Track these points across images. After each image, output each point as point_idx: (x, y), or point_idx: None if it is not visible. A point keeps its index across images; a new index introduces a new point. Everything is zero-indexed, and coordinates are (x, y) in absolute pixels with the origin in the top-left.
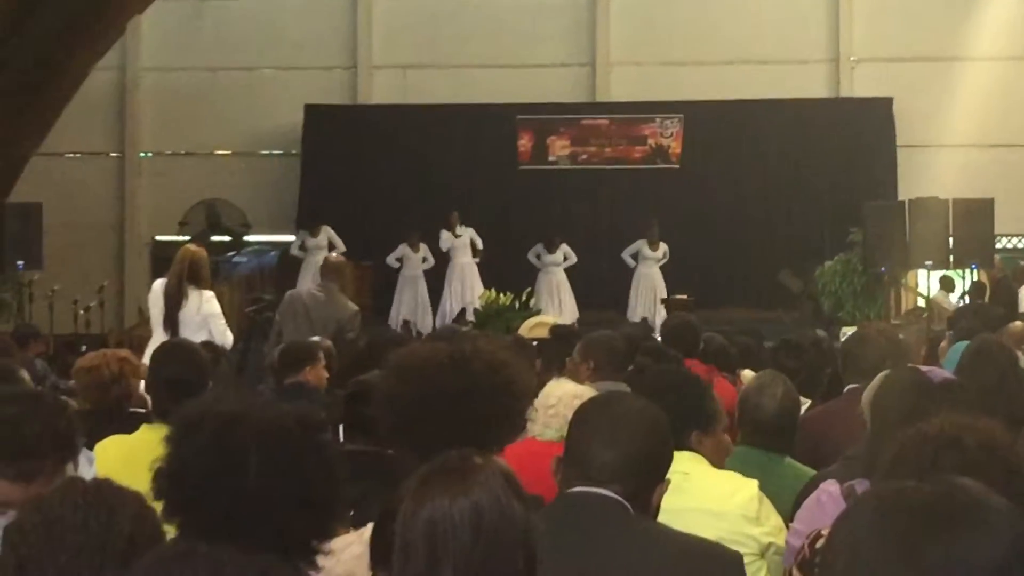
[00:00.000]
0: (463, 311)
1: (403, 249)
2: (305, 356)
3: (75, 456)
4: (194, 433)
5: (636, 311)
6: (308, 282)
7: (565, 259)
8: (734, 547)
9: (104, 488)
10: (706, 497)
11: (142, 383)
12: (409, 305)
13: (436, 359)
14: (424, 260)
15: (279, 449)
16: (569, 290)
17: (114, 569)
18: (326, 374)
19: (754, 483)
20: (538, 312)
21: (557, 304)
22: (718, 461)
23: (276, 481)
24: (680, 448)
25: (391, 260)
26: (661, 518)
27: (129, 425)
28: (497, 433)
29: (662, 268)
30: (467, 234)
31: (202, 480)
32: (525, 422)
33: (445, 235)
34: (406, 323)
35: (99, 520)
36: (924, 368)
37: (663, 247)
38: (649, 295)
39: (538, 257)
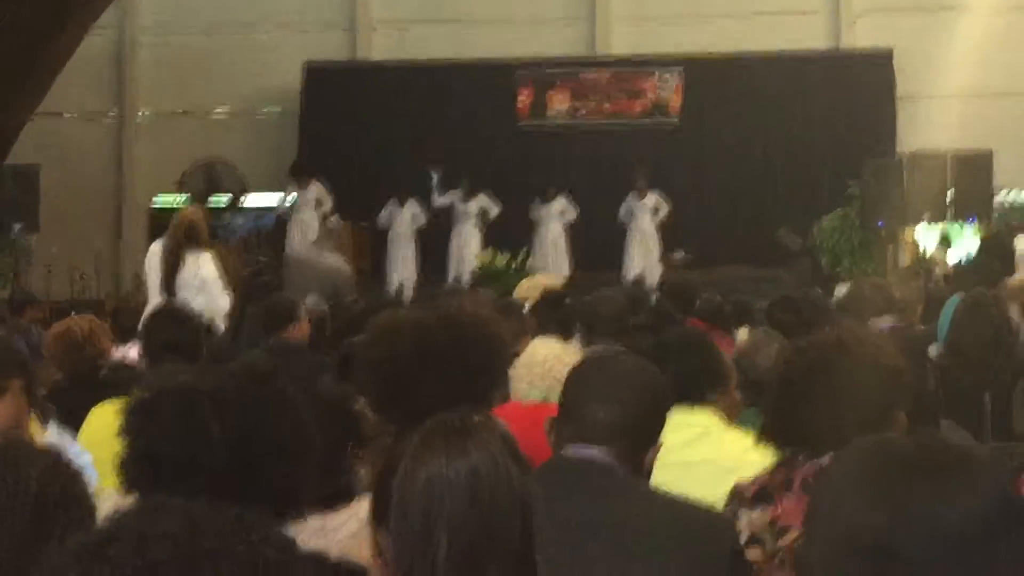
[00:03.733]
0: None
1: (391, 206)
2: (286, 314)
3: (29, 376)
4: (152, 416)
5: (631, 268)
6: (296, 240)
7: (563, 214)
8: None
9: (11, 447)
10: (722, 452)
11: (120, 348)
12: (398, 266)
13: (425, 319)
14: (413, 218)
15: (239, 410)
16: (564, 248)
17: (25, 529)
18: (308, 330)
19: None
20: (532, 273)
21: (553, 260)
22: (731, 418)
23: (244, 443)
24: (701, 404)
25: (381, 218)
26: (676, 471)
27: (106, 391)
28: (487, 390)
29: (662, 225)
30: (478, 201)
31: (169, 459)
32: (508, 380)
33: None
34: (400, 286)
35: (5, 481)
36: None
37: (653, 197)
38: (643, 250)
39: (536, 211)
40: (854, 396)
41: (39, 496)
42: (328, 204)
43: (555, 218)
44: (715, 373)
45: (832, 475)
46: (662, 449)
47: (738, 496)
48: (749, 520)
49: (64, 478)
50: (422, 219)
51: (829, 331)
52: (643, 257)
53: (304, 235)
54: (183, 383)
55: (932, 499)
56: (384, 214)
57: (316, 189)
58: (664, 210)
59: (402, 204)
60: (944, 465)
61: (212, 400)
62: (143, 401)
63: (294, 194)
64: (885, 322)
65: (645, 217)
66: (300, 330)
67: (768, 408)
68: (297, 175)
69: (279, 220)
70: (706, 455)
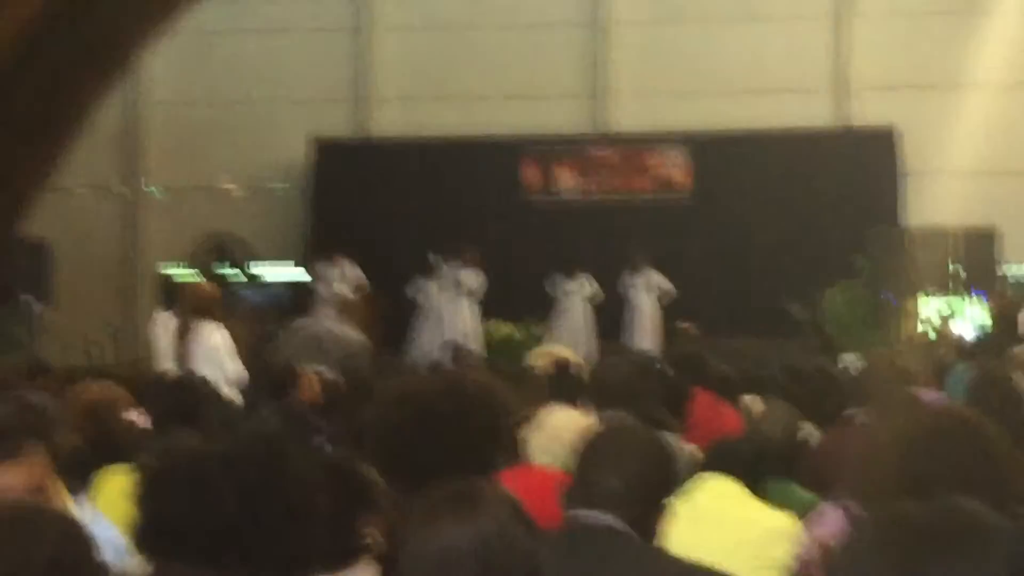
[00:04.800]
0: (455, 347)
1: (419, 281)
2: (285, 378)
3: (47, 439)
4: (164, 480)
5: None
6: (324, 314)
7: (592, 294)
8: (763, 563)
9: (26, 510)
10: (746, 515)
11: (133, 413)
12: (426, 339)
13: (432, 388)
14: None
15: (249, 473)
16: (589, 326)
17: None
18: (316, 389)
19: (790, 515)
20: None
21: (576, 337)
22: None
23: (253, 506)
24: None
25: (412, 293)
26: (702, 524)
27: (122, 455)
28: (493, 455)
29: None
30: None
31: (181, 524)
32: (517, 445)
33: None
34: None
35: (18, 544)
36: (922, 392)
37: (646, 274)
38: (640, 329)
39: (558, 287)
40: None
41: (53, 560)
42: (357, 278)
43: (578, 294)
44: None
45: (851, 543)
46: (696, 508)
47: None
48: None
49: (78, 543)
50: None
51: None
52: (641, 335)
53: (328, 310)
54: (192, 448)
55: (949, 569)
56: (412, 286)
57: (344, 265)
58: (664, 287)
59: (429, 277)
60: (960, 533)
61: (221, 464)
62: (153, 466)
63: (324, 269)
64: (933, 394)
65: (641, 295)
66: (308, 391)
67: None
68: (325, 251)
69: (293, 291)
70: (731, 514)
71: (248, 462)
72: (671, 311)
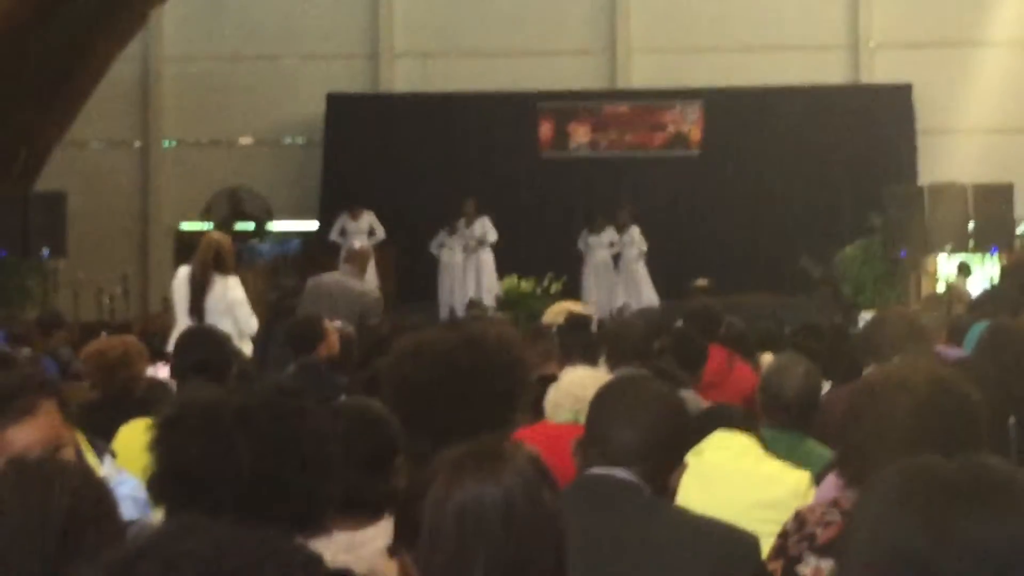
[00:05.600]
0: (472, 301)
1: (442, 236)
2: (311, 334)
3: (57, 393)
4: (178, 429)
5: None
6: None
7: (612, 244)
8: (775, 515)
9: (44, 464)
10: (758, 471)
11: (150, 368)
12: (449, 293)
13: (448, 341)
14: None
15: (264, 425)
16: (612, 281)
17: (57, 544)
18: (336, 347)
19: (806, 473)
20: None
21: (606, 291)
22: None
23: (268, 458)
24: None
25: (434, 248)
26: (714, 482)
27: (139, 410)
28: (510, 411)
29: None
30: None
31: (196, 473)
32: (533, 400)
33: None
34: (452, 309)
35: (36, 497)
36: (939, 348)
37: (628, 231)
38: (632, 284)
39: (584, 240)
40: (929, 433)
41: (70, 512)
42: (381, 233)
43: (604, 248)
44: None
45: (872, 498)
46: (703, 463)
47: (806, 534)
48: (816, 568)
49: (95, 494)
50: (482, 240)
51: (898, 365)
52: (627, 291)
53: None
54: (209, 399)
55: (976, 523)
56: (435, 242)
57: (369, 219)
58: (643, 245)
59: (452, 233)
60: (988, 488)
61: (237, 415)
62: (170, 416)
63: (346, 223)
64: (953, 351)
65: (632, 251)
66: (329, 348)
67: (840, 451)
68: (350, 206)
69: (305, 245)
70: (743, 471)
71: (264, 414)
72: (685, 267)
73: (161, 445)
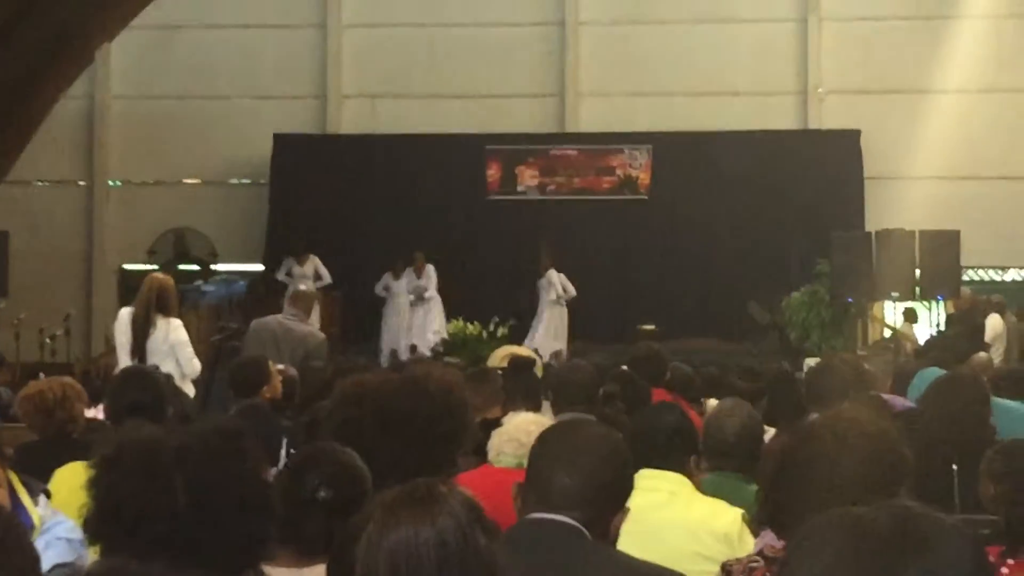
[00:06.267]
0: (414, 347)
1: (387, 278)
2: (255, 376)
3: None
4: (116, 468)
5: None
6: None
7: (565, 291)
8: (710, 566)
9: None
10: (690, 516)
11: (88, 410)
12: (394, 335)
13: (389, 384)
14: (411, 288)
15: (203, 464)
16: (556, 325)
17: None
18: (279, 388)
19: (738, 510)
20: (506, 341)
21: (546, 336)
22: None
23: (206, 497)
24: (677, 470)
25: (379, 289)
26: (643, 536)
27: (77, 452)
28: (451, 453)
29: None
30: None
31: (133, 512)
32: (474, 443)
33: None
34: (394, 352)
35: None
36: (886, 396)
37: (549, 274)
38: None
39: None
40: (857, 485)
41: None
42: (327, 277)
43: (545, 293)
44: (694, 441)
45: (803, 550)
46: (631, 512)
47: None
48: None
49: (3, 528)
50: (424, 290)
51: (828, 415)
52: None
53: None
54: (148, 438)
55: (923, 571)
56: (380, 284)
57: (314, 263)
58: (567, 289)
59: (397, 276)
60: (925, 536)
61: (176, 454)
62: (108, 455)
63: (292, 266)
64: (900, 400)
65: (549, 294)
66: (272, 391)
67: (766, 495)
68: (295, 251)
69: (250, 287)
70: (671, 520)
71: (203, 454)
72: (632, 311)
73: (99, 483)
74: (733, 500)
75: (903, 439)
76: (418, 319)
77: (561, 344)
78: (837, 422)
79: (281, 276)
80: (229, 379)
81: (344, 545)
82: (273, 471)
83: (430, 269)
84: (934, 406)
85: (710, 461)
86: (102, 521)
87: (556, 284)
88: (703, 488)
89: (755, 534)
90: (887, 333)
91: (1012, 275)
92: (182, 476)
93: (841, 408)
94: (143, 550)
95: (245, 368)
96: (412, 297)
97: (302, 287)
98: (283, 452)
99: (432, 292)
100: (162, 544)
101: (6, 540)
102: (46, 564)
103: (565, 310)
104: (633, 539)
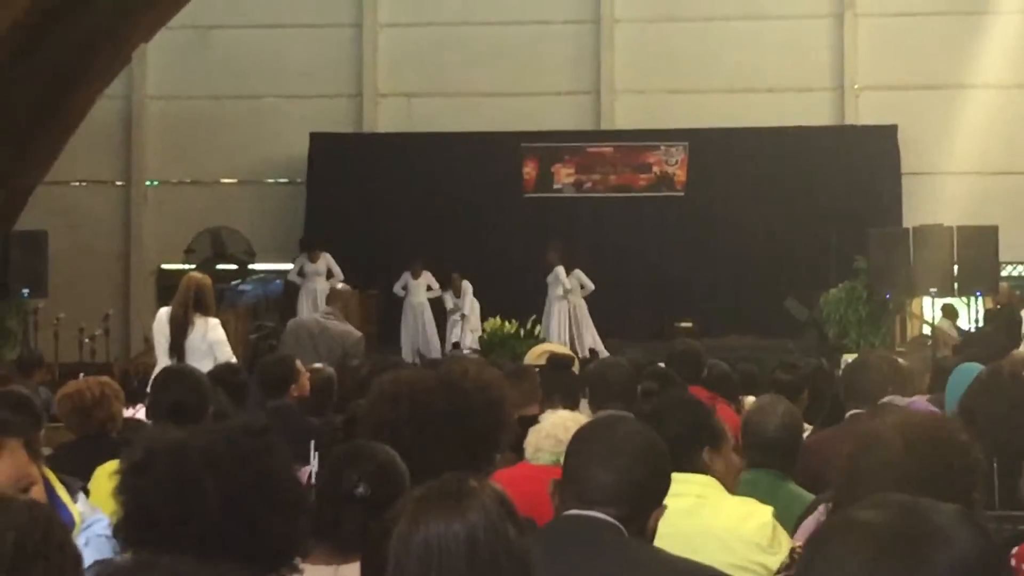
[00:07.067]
0: (457, 343)
1: (406, 277)
2: (283, 375)
3: (24, 433)
4: (145, 472)
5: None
6: (307, 309)
7: (582, 287)
8: (744, 574)
9: None
10: (719, 522)
11: (126, 410)
12: (411, 334)
13: (426, 382)
14: (428, 288)
15: (232, 465)
16: (564, 323)
17: None
18: (308, 387)
19: (768, 509)
20: (541, 340)
21: (568, 334)
22: (730, 481)
23: (236, 498)
24: (693, 469)
25: (396, 288)
26: (673, 541)
27: (114, 451)
28: (488, 452)
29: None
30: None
31: (164, 517)
32: (512, 440)
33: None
34: (420, 353)
35: None
36: (904, 401)
37: (556, 270)
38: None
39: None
40: (929, 492)
41: (17, 546)
42: (339, 275)
43: (553, 289)
44: (703, 431)
45: (818, 552)
46: (666, 520)
47: None
48: None
49: (44, 527)
50: (437, 289)
51: (895, 418)
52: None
53: (315, 305)
54: (174, 441)
55: (923, 570)
56: (398, 285)
57: (326, 260)
58: (585, 286)
59: (415, 275)
60: (926, 534)
61: (204, 455)
62: (135, 461)
63: (304, 265)
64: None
65: (556, 289)
66: (300, 389)
67: (835, 503)
68: (308, 247)
69: (287, 286)
70: (700, 527)
71: (231, 455)
72: (668, 308)
73: (127, 490)
74: (769, 498)
75: (973, 442)
76: (457, 323)
77: (591, 337)
78: (906, 427)
79: (292, 276)
80: (257, 378)
81: (378, 541)
82: (306, 470)
83: (466, 286)
84: (979, 402)
85: (750, 458)
86: (133, 528)
87: (563, 280)
88: (740, 486)
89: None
90: (926, 329)
91: None
92: (212, 479)
93: (908, 411)
94: (176, 553)
95: (271, 367)
96: (457, 316)
97: (339, 285)
98: (312, 452)
99: (468, 311)
100: (195, 548)
101: (48, 538)
102: (87, 560)
103: (583, 304)
104: (664, 545)
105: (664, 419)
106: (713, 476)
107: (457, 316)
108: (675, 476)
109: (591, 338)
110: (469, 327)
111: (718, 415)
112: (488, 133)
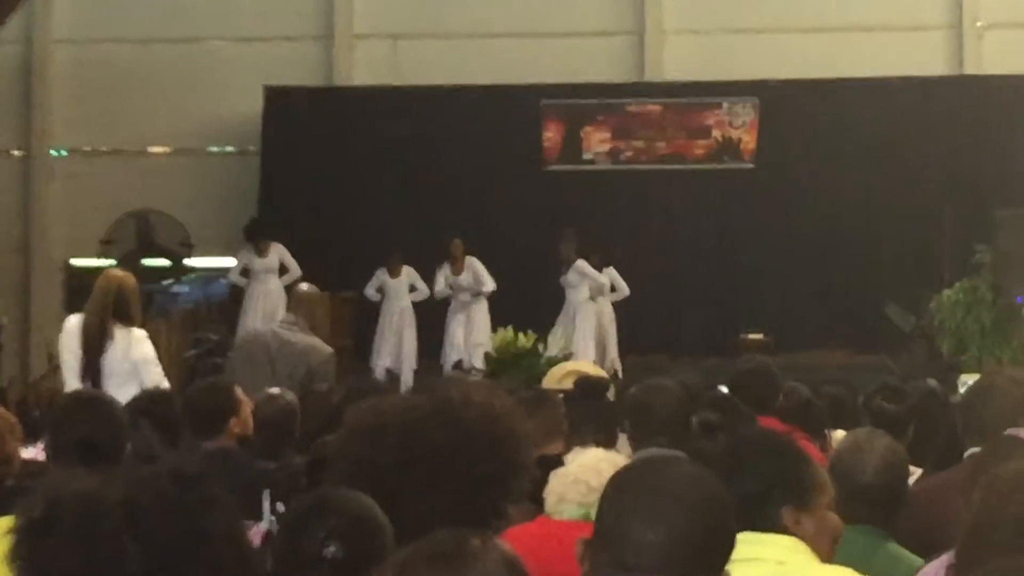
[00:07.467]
0: (459, 362)
1: (381, 276)
2: (221, 406)
3: None
4: (48, 531)
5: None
6: (258, 317)
7: (613, 289)
8: None
9: None
10: None
11: (25, 448)
12: (391, 348)
13: (416, 412)
14: (412, 289)
15: (159, 522)
16: (589, 330)
17: None
18: (251, 422)
19: None
20: (567, 357)
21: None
22: (824, 547)
23: (165, 565)
24: (772, 529)
25: (369, 291)
26: None
27: (10, 503)
28: (497, 502)
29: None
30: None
31: None
32: (530, 487)
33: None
34: (388, 372)
35: None
36: None
37: (577, 265)
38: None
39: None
40: None
41: None
42: (295, 271)
43: (576, 289)
44: (788, 484)
45: None
46: None
47: None
48: None
49: None
50: (424, 291)
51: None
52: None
53: (266, 310)
54: (86, 491)
55: None
56: (371, 287)
57: (278, 253)
58: (619, 289)
59: (393, 273)
60: None
61: (123, 509)
62: (36, 517)
63: (250, 260)
64: None
65: (580, 290)
66: (242, 425)
67: (957, 567)
68: (254, 236)
69: (233, 290)
70: None
71: (158, 509)
72: (733, 315)
73: (26, 555)
74: (864, 562)
75: None
76: (459, 326)
77: (612, 352)
78: None
79: (234, 276)
80: (183, 414)
81: None
82: (259, 528)
83: (472, 261)
84: None
85: (840, 510)
86: None
87: (592, 274)
88: (843, 547)
89: None
90: None
91: None
92: (133, 539)
93: None
94: None
95: (201, 397)
96: (468, 296)
97: (303, 286)
98: (266, 505)
99: (490, 285)
100: None
101: None
102: None
103: (611, 311)
104: None
105: (732, 463)
106: (799, 538)
107: (467, 297)
108: (748, 537)
109: (613, 354)
110: (477, 324)
111: (811, 458)
112: (498, 87)
